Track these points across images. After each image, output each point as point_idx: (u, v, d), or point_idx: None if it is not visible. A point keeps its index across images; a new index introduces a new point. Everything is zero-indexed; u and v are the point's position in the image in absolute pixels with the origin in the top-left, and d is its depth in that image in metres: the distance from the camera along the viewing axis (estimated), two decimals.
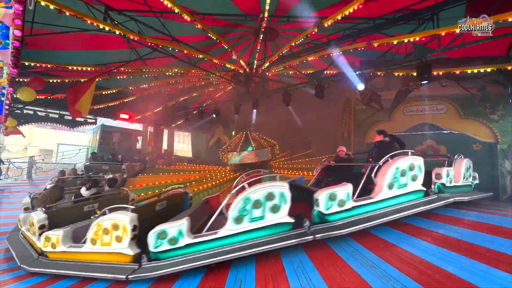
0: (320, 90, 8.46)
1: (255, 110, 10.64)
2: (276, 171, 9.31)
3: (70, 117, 11.06)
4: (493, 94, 7.93)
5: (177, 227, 3.04)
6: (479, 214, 3.51)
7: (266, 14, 5.96)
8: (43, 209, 4.23)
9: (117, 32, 5.41)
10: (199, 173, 10.47)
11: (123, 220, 3.18)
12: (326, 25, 5.54)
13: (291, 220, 3.11)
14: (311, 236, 2.93)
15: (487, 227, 2.98)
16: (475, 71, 7.30)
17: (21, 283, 3.38)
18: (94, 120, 12.45)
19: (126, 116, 12.38)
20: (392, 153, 3.76)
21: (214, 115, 12.29)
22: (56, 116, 10.70)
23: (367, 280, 2.24)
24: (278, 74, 9.78)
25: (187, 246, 3.04)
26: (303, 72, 8.73)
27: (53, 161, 17.25)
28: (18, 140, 20.05)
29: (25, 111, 9.82)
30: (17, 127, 9.67)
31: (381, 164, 3.67)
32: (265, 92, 10.60)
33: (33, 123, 10.55)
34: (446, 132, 8.40)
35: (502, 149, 7.68)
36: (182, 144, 24.77)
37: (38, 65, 7.10)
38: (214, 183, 8.69)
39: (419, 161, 3.70)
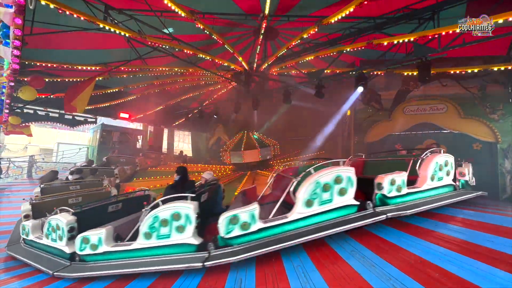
0: (320, 89, 8.45)
1: (255, 110, 10.63)
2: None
3: (70, 116, 11.07)
4: (493, 94, 7.93)
5: (249, 211, 3.06)
6: (479, 213, 3.51)
7: (266, 14, 5.95)
8: (70, 210, 3.89)
9: (117, 31, 5.41)
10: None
11: (186, 208, 3.12)
12: (326, 24, 5.54)
13: (357, 202, 3.30)
14: (384, 216, 3.13)
15: (487, 227, 2.98)
16: (475, 70, 7.31)
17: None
18: (94, 119, 12.42)
19: (126, 116, 12.36)
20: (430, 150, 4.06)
21: (214, 116, 12.27)
22: (56, 115, 10.66)
23: (367, 279, 2.25)
24: (278, 73, 9.77)
25: (259, 231, 3.08)
26: (303, 71, 8.72)
27: (53, 160, 17.23)
28: (18, 139, 20.06)
29: (25, 110, 9.80)
30: (24, 125, 9.69)
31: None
32: (265, 92, 10.58)
33: (33, 122, 10.52)
34: (446, 131, 8.40)
35: (502, 148, 7.69)
36: (182, 144, 24.76)
37: (38, 64, 7.10)
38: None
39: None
